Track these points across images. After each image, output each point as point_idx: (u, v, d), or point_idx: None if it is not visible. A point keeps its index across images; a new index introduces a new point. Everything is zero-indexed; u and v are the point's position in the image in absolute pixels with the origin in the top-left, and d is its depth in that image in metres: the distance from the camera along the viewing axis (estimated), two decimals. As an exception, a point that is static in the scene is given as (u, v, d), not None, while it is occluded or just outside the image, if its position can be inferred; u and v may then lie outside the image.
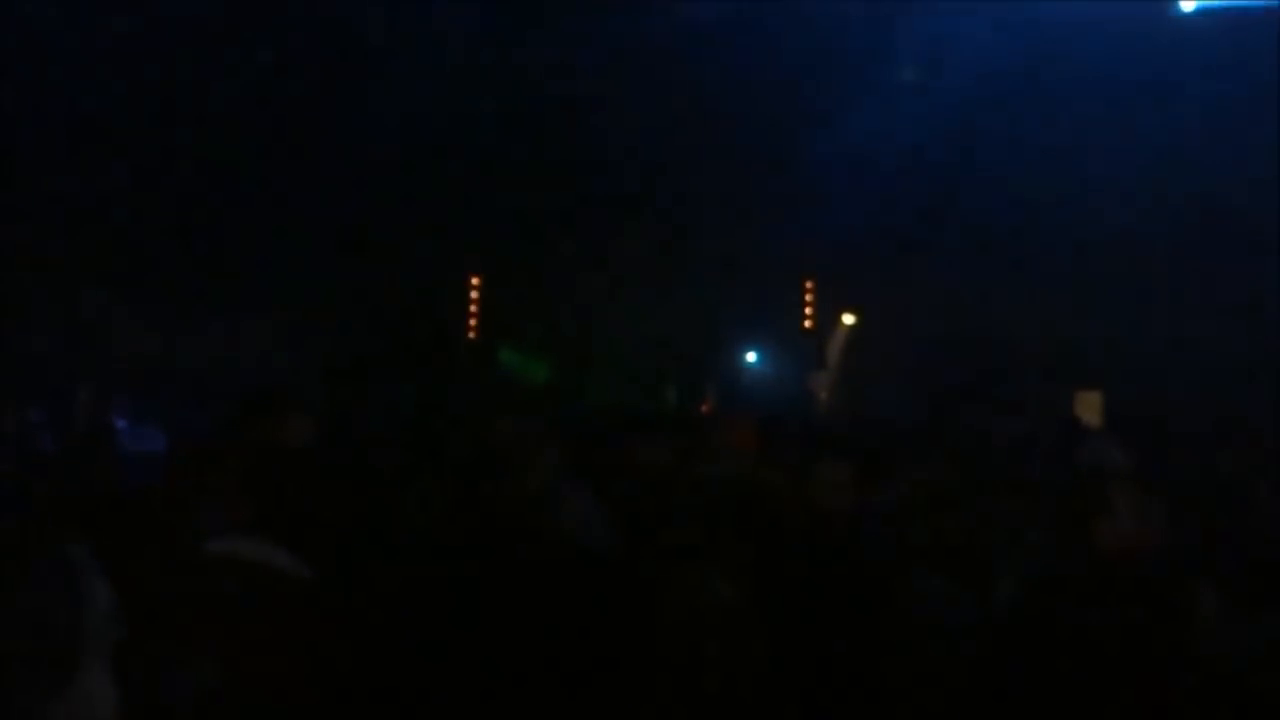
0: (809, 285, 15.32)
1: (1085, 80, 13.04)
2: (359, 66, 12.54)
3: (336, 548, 3.05)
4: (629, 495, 3.54)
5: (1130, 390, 10.98)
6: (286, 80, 12.15)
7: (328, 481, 3.59)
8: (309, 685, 2.69)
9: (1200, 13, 12.26)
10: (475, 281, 14.63)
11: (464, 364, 14.17)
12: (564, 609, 2.78)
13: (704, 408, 14.16)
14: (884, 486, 3.58)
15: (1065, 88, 13.20)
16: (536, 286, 15.04)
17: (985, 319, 13.87)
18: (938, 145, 14.11)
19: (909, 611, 2.89)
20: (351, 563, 2.98)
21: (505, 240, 14.26)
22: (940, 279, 14.05)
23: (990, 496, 3.54)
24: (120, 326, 11.90)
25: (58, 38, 11.17)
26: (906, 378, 13.73)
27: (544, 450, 3.45)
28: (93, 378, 10.19)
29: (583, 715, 2.67)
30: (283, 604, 2.88)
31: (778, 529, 3.28)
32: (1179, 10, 12.37)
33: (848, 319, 15.45)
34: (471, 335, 14.78)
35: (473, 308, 14.74)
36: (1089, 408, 11.27)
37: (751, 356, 15.54)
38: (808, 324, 15.42)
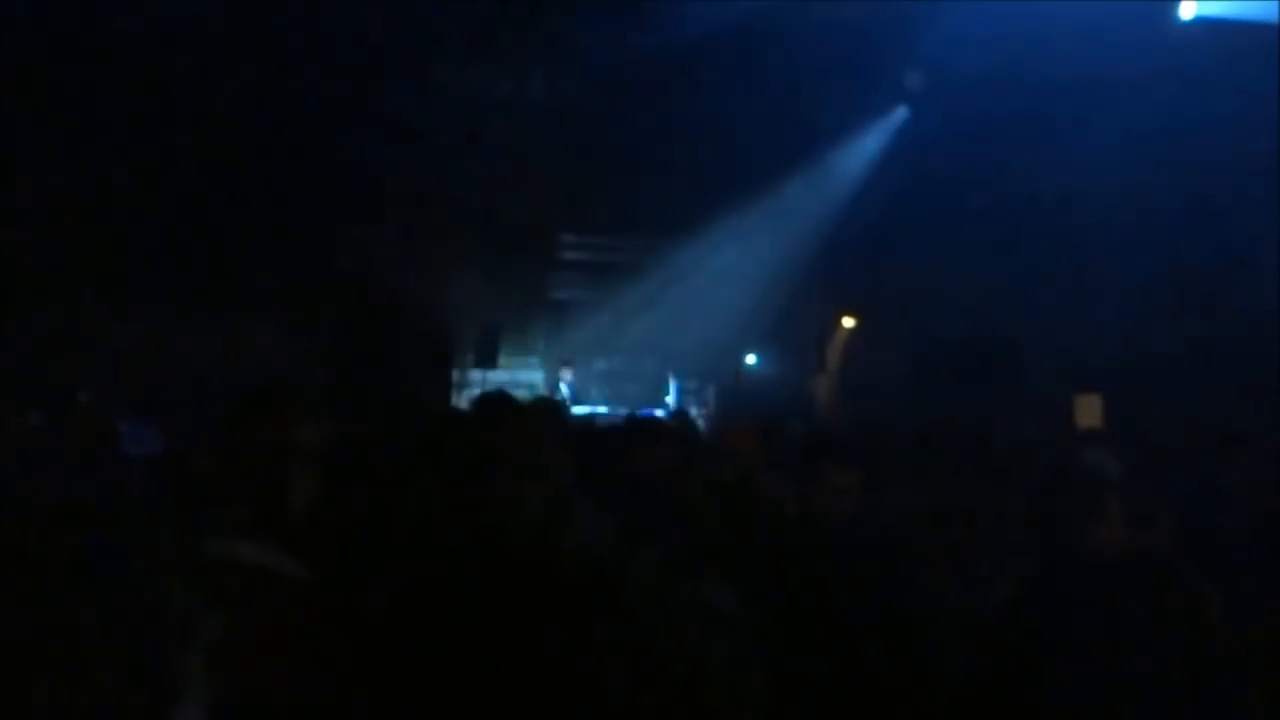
0: (808, 289, 15.37)
1: (1083, 84, 13.08)
2: (359, 67, 12.56)
3: (337, 548, 3.05)
4: (630, 500, 3.54)
5: (1130, 394, 10.99)
6: (288, 80, 12.16)
7: (328, 481, 3.61)
8: (309, 687, 2.70)
9: (1199, 22, 12.31)
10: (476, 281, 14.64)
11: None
12: (566, 616, 2.78)
13: (704, 410, 14.17)
14: (886, 490, 3.59)
15: (1064, 92, 13.23)
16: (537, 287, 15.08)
17: (985, 321, 13.90)
18: (937, 149, 14.16)
19: (912, 616, 2.89)
20: (352, 563, 2.99)
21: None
22: (940, 281, 14.08)
23: (991, 499, 3.55)
24: (119, 327, 11.90)
25: (54, 36, 11.18)
26: (906, 380, 13.75)
27: (556, 454, 3.45)
28: (92, 379, 10.20)
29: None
30: (283, 605, 2.88)
31: (780, 535, 3.29)
32: (1178, 19, 12.41)
33: (848, 321, 15.47)
34: (471, 334, 14.79)
35: (473, 306, 14.74)
36: (1089, 411, 11.29)
37: (751, 359, 15.54)
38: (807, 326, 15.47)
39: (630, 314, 15.63)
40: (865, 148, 14.71)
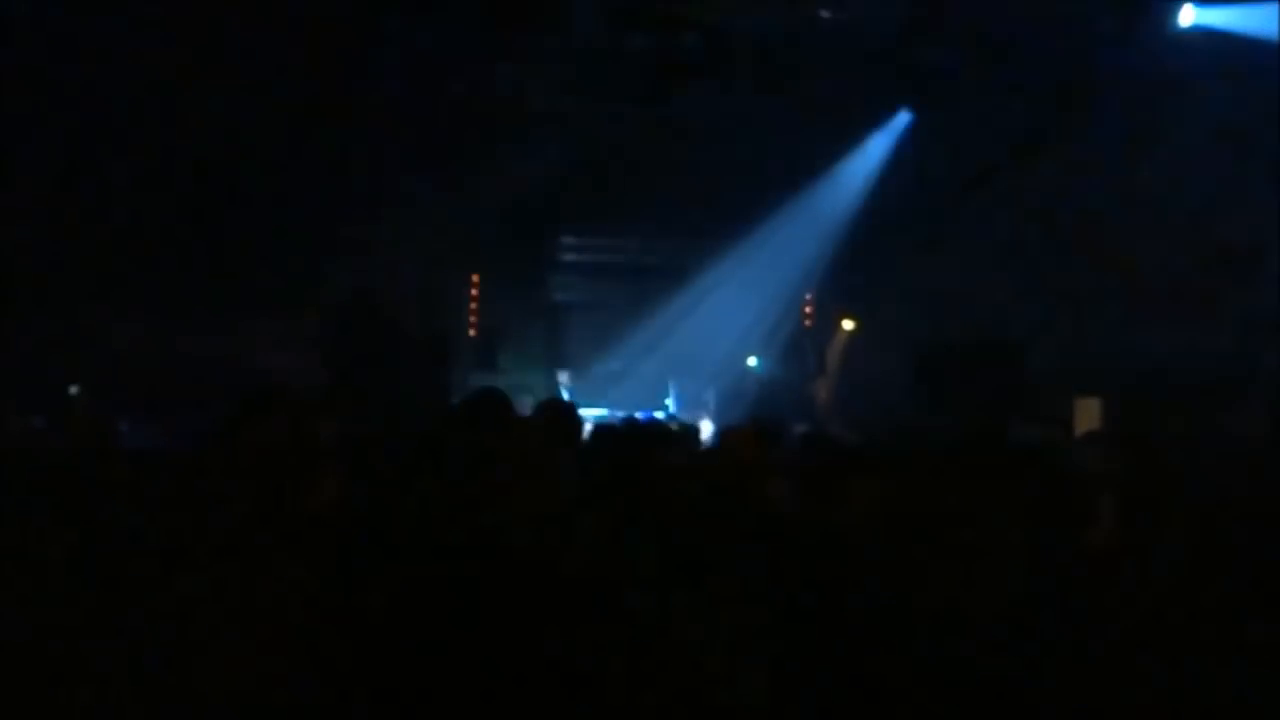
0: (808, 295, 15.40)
1: (1081, 89, 13.10)
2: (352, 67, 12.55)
3: (339, 547, 3.05)
4: (632, 502, 3.54)
5: (1130, 397, 10.98)
6: (287, 79, 12.15)
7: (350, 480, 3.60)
8: (309, 686, 2.70)
9: (1197, 30, 12.34)
10: (475, 280, 14.65)
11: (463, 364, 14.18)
12: (566, 617, 2.78)
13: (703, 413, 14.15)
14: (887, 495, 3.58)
15: (1062, 94, 13.25)
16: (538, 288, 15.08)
17: (985, 324, 13.90)
18: (936, 154, 14.18)
19: (913, 617, 2.89)
20: (352, 563, 2.98)
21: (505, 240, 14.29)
22: (939, 283, 14.08)
23: (993, 502, 3.55)
24: (119, 327, 11.89)
25: (50, 36, 11.17)
26: (905, 383, 13.75)
27: (558, 454, 3.44)
28: (93, 379, 10.19)
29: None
30: (283, 605, 2.88)
31: (781, 536, 3.28)
32: (1177, 26, 12.44)
33: (847, 324, 15.47)
34: (471, 334, 14.79)
35: (473, 305, 14.75)
36: (1088, 414, 11.26)
37: (753, 361, 15.54)
38: (807, 324, 15.48)
39: (630, 316, 15.64)
40: (871, 152, 14.71)
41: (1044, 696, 2.71)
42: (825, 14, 12.66)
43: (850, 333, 15.41)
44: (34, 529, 3.17)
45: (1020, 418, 8.69)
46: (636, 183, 14.44)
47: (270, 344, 12.47)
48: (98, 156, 11.67)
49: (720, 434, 5.82)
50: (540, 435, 4.12)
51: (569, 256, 15.40)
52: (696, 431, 8.28)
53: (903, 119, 14.64)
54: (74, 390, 7.55)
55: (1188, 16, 12.31)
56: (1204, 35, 12.26)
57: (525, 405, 5.67)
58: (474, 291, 14.64)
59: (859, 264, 14.72)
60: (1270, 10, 11.53)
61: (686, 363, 14.92)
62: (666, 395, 14.17)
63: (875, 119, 14.62)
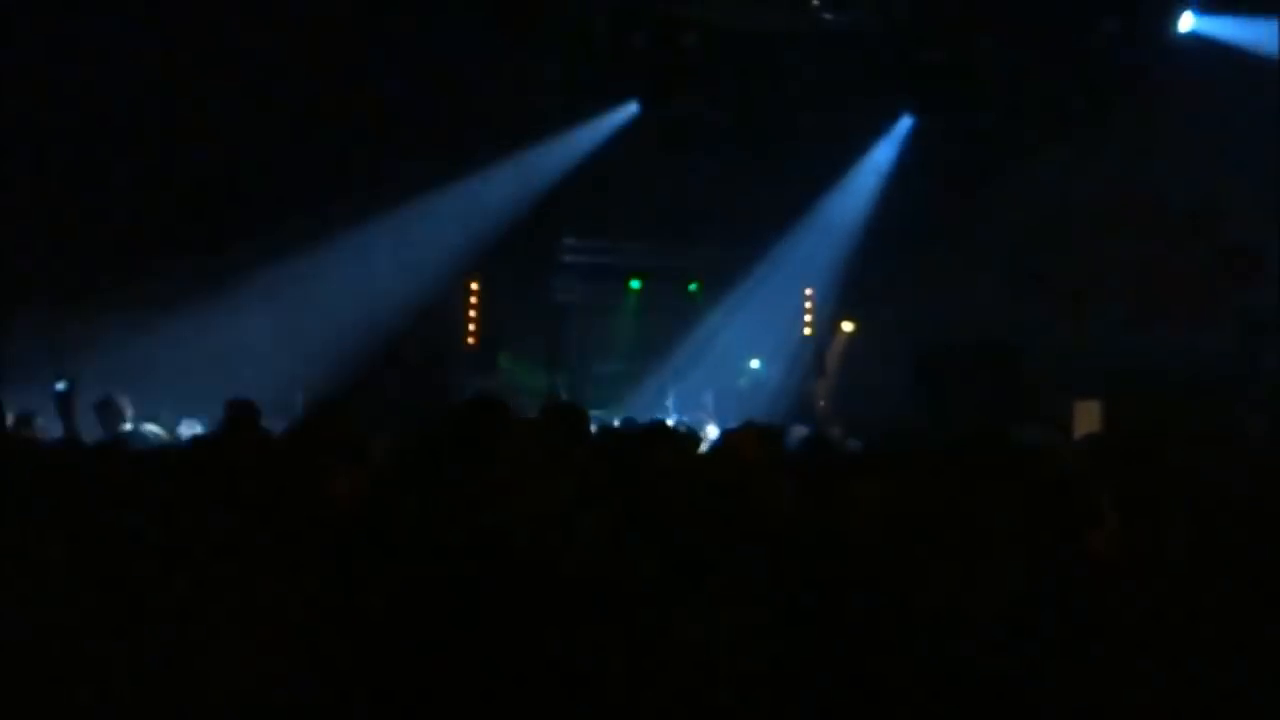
0: (808, 293, 15.38)
1: (1078, 93, 13.12)
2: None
3: (338, 548, 3.05)
4: (634, 503, 3.53)
5: (1130, 400, 10.98)
6: (287, 79, 12.16)
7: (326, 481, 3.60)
8: (310, 685, 2.70)
9: (1195, 35, 12.37)
10: (474, 286, 14.64)
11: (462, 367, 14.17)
12: (566, 617, 2.78)
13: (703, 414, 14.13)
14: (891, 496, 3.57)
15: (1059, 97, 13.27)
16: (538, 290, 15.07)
17: (984, 326, 13.90)
18: (935, 157, 14.19)
19: (914, 618, 2.89)
20: (352, 563, 2.98)
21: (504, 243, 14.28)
22: (939, 285, 14.09)
23: (993, 503, 3.54)
24: (119, 328, 11.88)
25: (46, 35, 11.18)
26: (905, 385, 13.75)
27: (558, 455, 3.44)
28: (92, 380, 10.16)
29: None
30: (284, 604, 2.88)
31: (782, 537, 3.28)
32: (1176, 31, 12.47)
33: (846, 326, 15.47)
34: (470, 340, 14.77)
35: (471, 312, 14.74)
36: (1088, 416, 11.26)
37: (755, 363, 15.53)
38: (807, 331, 15.47)
39: (629, 317, 15.64)
40: (877, 159, 14.70)
41: (1044, 697, 2.71)
42: (828, 16, 12.66)
43: (849, 335, 15.40)
44: (33, 528, 3.17)
45: (1020, 420, 8.66)
46: (637, 185, 14.44)
47: (270, 345, 12.47)
48: (99, 156, 11.68)
49: (722, 434, 5.82)
50: (540, 437, 4.12)
51: (570, 258, 15.38)
52: (697, 433, 8.27)
53: (905, 124, 14.63)
54: (60, 386, 7.52)
55: (1186, 23, 12.35)
56: (1203, 41, 12.29)
57: (526, 407, 5.67)
58: (473, 299, 14.63)
59: (858, 266, 14.72)
60: (1269, 23, 11.56)
61: (686, 365, 14.91)
62: (666, 398, 14.16)
63: (879, 125, 14.61)
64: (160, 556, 3.11)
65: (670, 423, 11.04)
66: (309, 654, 2.77)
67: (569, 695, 2.66)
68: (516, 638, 2.72)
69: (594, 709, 2.66)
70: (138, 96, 11.71)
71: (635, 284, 15.55)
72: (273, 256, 12.53)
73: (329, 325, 12.81)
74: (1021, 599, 2.92)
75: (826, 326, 15.45)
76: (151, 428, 7.04)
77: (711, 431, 11.15)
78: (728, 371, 15.21)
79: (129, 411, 7.71)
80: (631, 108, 14.29)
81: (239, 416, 5.37)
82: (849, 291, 15.03)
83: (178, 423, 8.17)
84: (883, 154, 14.78)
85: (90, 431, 7.38)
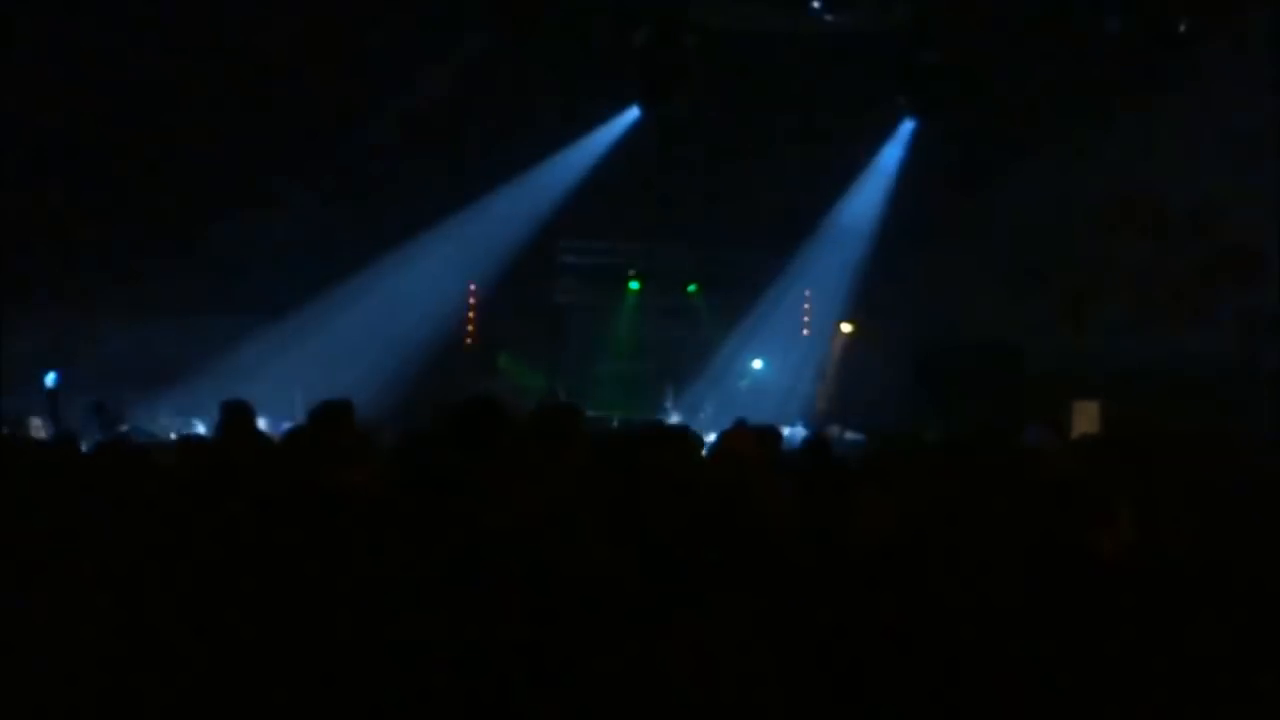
0: (806, 294, 15.38)
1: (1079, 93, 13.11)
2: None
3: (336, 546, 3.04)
4: (634, 504, 3.52)
5: (1129, 400, 10.98)
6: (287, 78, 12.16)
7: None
8: (303, 680, 2.69)
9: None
10: (472, 287, 14.65)
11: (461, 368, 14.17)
12: (567, 617, 2.77)
13: (700, 416, 14.12)
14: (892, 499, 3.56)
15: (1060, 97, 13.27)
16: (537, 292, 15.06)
17: (985, 326, 13.90)
18: (935, 157, 14.19)
19: (917, 620, 2.88)
20: (353, 562, 2.98)
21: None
22: (940, 286, 14.09)
23: (992, 504, 3.54)
24: (118, 328, 11.89)
25: (45, 36, 11.18)
26: (905, 386, 13.75)
27: (557, 457, 3.43)
28: (90, 381, 10.18)
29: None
30: (281, 604, 2.87)
31: (782, 539, 3.27)
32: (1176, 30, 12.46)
33: (845, 327, 15.46)
34: (469, 341, 14.78)
35: (470, 314, 14.74)
36: (1086, 417, 11.26)
37: (758, 364, 15.52)
38: (805, 333, 15.46)
39: (629, 317, 15.63)
40: (878, 159, 14.68)
41: (1047, 698, 2.71)
42: (828, 17, 12.66)
43: (849, 336, 15.39)
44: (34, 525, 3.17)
45: (1020, 420, 8.67)
46: (637, 186, 14.44)
47: (269, 345, 12.48)
48: (99, 158, 11.68)
49: (721, 435, 5.82)
50: (538, 438, 4.12)
51: (569, 259, 15.37)
52: (699, 433, 8.23)
53: (907, 127, 14.61)
54: (50, 382, 7.50)
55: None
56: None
57: (525, 407, 5.66)
58: (471, 300, 14.65)
59: (858, 267, 14.71)
60: None
61: (685, 366, 14.90)
62: (666, 399, 14.15)
63: (879, 125, 14.59)
64: (161, 555, 3.11)
65: (670, 423, 11.06)
66: (307, 651, 2.77)
67: (569, 695, 2.65)
68: (516, 637, 2.71)
69: (594, 709, 2.65)
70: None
71: (635, 284, 15.54)
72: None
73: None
74: (1024, 600, 2.91)
75: (826, 328, 15.45)
76: (151, 427, 7.05)
77: (711, 437, 11.15)
78: (728, 372, 15.21)
79: (127, 412, 7.73)
80: (633, 113, 14.30)
81: (235, 417, 5.37)
82: (849, 292, 15.02)
83: (188, 424, 8.19)
84: (884, 155, 14.77)
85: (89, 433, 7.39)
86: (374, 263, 13.44)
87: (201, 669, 2.67)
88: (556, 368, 14.91)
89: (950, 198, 14.15)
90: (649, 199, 14.66)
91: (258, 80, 11.96)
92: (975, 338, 13.98)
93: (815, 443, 6.15)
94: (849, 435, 11.33)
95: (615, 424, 12.01)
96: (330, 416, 4.23)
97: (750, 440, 5.25)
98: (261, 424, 7.06)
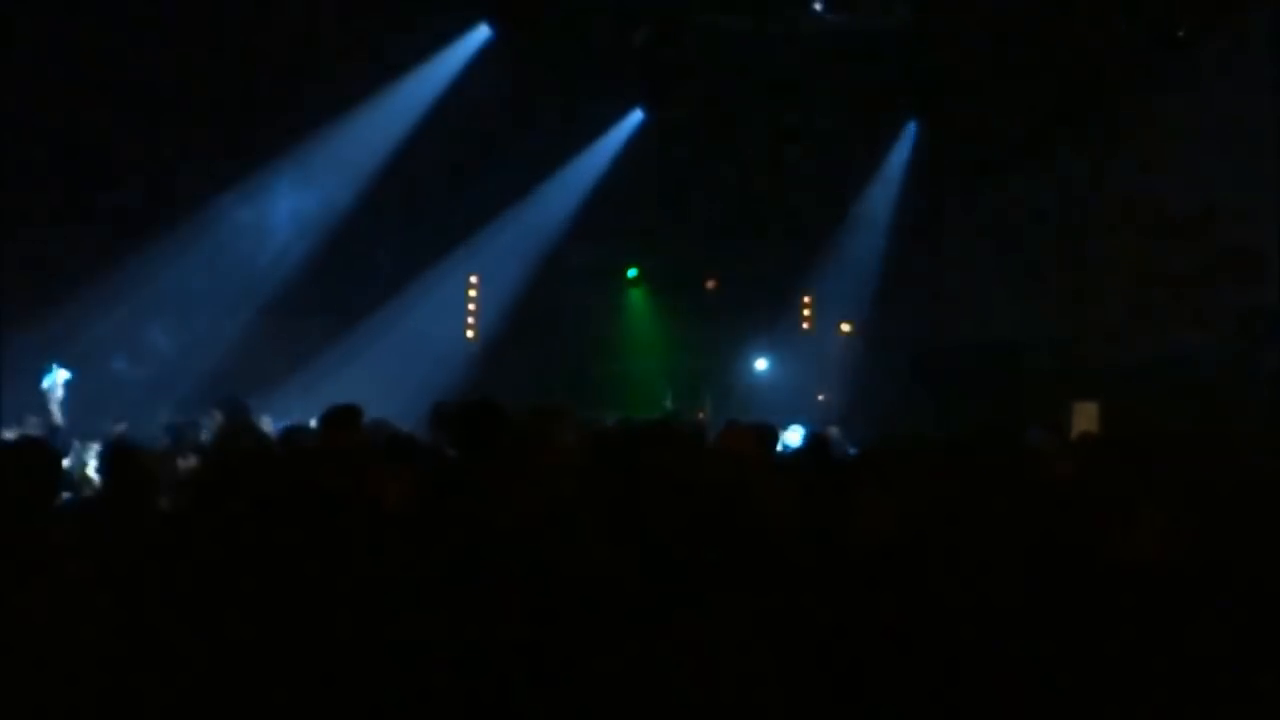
0: (807, 295, 15.40)
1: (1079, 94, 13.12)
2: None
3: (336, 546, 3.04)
4: (634, 503, 3.51)
5: (1128, 402, 10.99)
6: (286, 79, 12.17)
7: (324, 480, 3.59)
8: (305, 681, 2.69)
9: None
10: (474, 280, 14.67)
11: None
12: (566, 617, 2.77)
13: (700, 415, 14.12)
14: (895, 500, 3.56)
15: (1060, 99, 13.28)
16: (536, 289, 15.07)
17: (984, 326, 13.91)
18: (935, 158, 14.20)
19: (918, 620, 2.88)
20: (351, 562, 2.98)
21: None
22: (939, 285, 14.10)
23: (991, 504, 3.54)
24: (119, 329, 11.89)
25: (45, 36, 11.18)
26: (905, 384, 13.76)
27: (556, 457, 3.43)
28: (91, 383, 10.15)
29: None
30: (281, 604, 2.87)
31: (782, 539, 3.27)
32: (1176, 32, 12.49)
33: (845, 327, 15.47)
34: (470, 335, 14.79)
35: (471, 306, 14.76)
36: (1086, 417, 11.27)
37: (762, 363, 15.53)
38: (806, 329, 15.48)
39: (629, 317, 15.64)
40: (878, 160, 14.69)
41: (1049, 698, 2.70)
42: (830, 18, 12.67)
43: (849, 335, 15.40)
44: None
45: (1020, 420, 8.68)
46: (637, 186, 14.45)
47: (270, 346, 12.48)
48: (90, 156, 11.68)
49: (720, 433, 5.80)
50: (537, 438, 4.12)
51: (571, 260, 15.38)
52: (701, 430, 8.22)
53: (907, 128, 14.62)
54: (46, 384, 7.49)
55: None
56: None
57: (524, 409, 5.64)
58: (472, 293, 14.66)
59: (858, 266, 14.73)
60: None
61: (685, 365, 14.92)
62: (666, 399, 14.15)
63: (879, 126, 14.59)
64: (161, 555, 3.11)
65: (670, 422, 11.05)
66: (308, 652, 2.77)
67: (570, 695, 2.65)
68: (516, 637, 2.71)
69: (594, 709, 2.65)
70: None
71: (636, 285, 15.55)
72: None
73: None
74: (1024, 601, 2.91)
75: (826, 328, 15.46)
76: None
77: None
78: (729, 372, 15.22)
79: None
80: (636, 116, 14.33)
81: (235, 416, 5.40)
82: (850, 292, 15.02)
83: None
84: (883, 155, 14.78)
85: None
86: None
87: (201, 669, 2.66)
88: (557, 367, 14.90)
89: (950, 197, 14.16)
90: (650, 199, 14.67)
91: (260, 81, 11.98)
92: (975, 338, 13.98)
93: (815, 443, 6.13)
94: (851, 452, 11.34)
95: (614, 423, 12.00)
96: (339, 421, 4.27)
97: (748, 438, 5.24)
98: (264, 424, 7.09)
